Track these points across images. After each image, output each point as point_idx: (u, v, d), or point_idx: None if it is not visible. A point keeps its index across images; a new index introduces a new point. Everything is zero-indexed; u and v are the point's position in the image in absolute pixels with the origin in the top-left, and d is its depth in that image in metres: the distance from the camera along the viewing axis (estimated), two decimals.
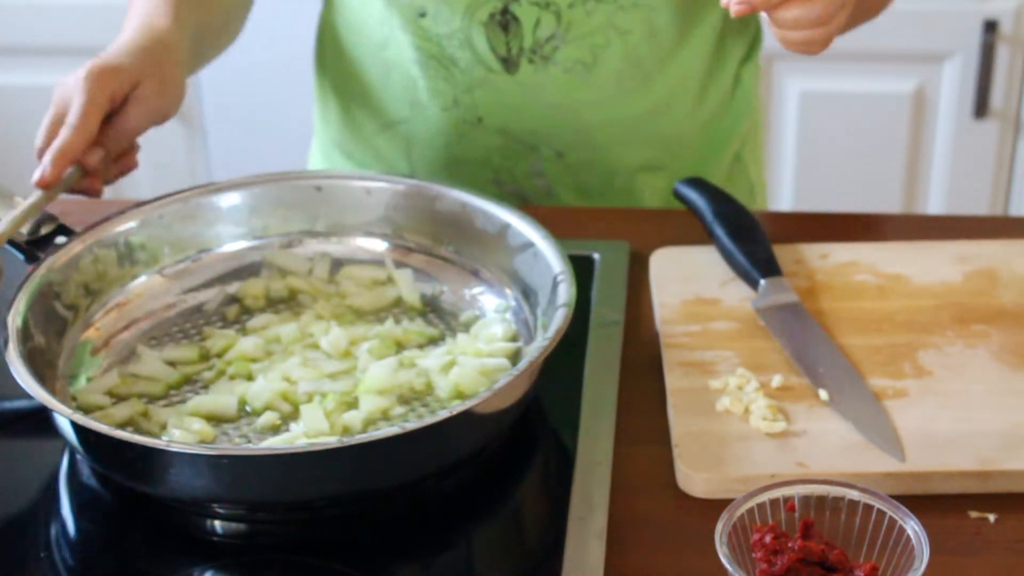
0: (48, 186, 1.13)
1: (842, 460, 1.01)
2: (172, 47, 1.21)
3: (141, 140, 1.20)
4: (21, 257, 1.14)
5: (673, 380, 1.10)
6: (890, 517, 0.90)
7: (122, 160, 1.20)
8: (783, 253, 1.25)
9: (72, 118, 1.13)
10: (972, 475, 1.00)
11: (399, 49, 1.37)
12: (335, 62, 1.46)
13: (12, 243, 1.15)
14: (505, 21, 1.27)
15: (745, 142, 1.49)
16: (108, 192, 1.24)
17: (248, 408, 1.07)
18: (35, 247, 1.14)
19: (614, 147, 1.40)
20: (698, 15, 1.36)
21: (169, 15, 1.23)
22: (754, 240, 1.21)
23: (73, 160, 1.14)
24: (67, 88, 1.15)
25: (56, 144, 1.13)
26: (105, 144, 1.16)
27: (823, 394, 1.07)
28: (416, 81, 1.38)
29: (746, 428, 1.04)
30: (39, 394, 0.97)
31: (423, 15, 1.31)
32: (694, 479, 1.01)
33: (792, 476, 0.98)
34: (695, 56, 1.38)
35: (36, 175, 1.13)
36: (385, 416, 1.05)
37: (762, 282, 1.18)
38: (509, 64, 1.30)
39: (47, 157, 1.13)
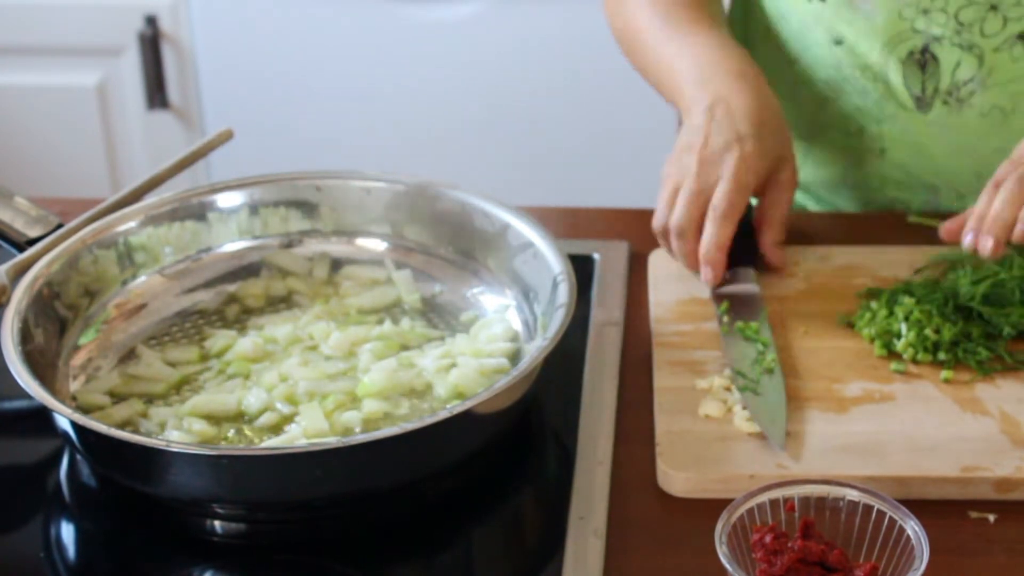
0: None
1: (822, 462, 1.01)
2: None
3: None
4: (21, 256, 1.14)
5: (660, 379, 1.10)
6: (890, 517, 0.90)
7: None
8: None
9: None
10: (952, 481, 0.99)
11: (810, 67, 1.34)
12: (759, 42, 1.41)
13: (12, 243, 1.15)
14: (924, 60, 1.24)
15: None
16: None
17: (248, 407, 1.07)
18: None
19: None
20: None
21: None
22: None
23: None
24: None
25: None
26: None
27: (726, 371, 1.09)
28: (824, 103, 1.35)
29: (729, 428, 1.04)
30: (39, 394, 0.97)
31: (839, 43, 1.28)
32: (674, 478, 1.00)
33: (772, 477, 0.98)
34: None
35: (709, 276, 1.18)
36: (385, 416, 1.05)
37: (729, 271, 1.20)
38: (922, 103, 1.27)
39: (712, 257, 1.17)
